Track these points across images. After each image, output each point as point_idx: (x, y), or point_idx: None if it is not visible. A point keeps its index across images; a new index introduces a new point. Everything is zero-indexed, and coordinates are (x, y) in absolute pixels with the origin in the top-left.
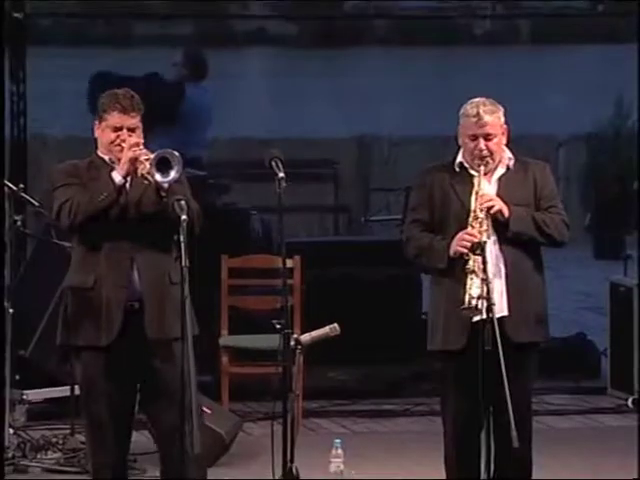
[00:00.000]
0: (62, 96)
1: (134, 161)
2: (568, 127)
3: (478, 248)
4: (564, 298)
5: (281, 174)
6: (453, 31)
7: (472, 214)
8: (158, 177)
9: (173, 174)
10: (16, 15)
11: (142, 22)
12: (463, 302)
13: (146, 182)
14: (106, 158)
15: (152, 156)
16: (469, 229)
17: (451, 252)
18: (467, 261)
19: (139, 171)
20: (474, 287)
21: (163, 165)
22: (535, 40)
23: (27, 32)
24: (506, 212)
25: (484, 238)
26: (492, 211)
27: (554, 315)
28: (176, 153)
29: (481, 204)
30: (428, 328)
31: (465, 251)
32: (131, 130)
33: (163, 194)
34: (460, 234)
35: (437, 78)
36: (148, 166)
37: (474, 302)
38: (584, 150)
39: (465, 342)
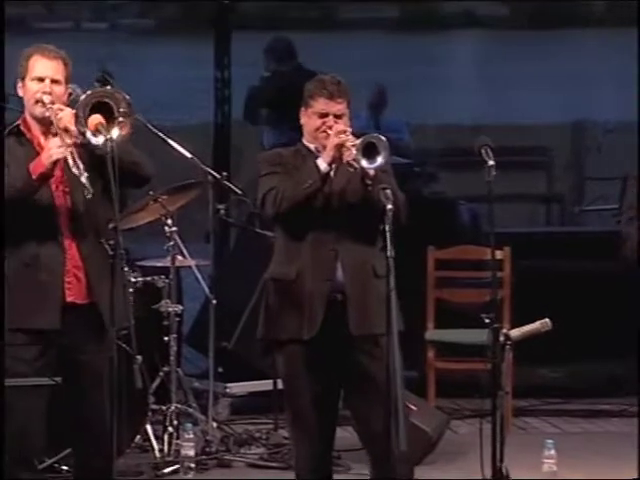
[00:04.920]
0: None
1: (340, 147)
2: None
3: None
4: None
5: (491, 162)
6: None
7: None
8: (364, 163)
9: (380, 160)
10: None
11: (345, 5)
12: None
13: (352, 169)
14: (312, 147)
15: (358, 142)
16: None
17: None
18: None
19: (345, 158)
20: None
21: (370, 151)
22: None
23: (231, 17)
24: None
25: None
26: None
27: None
28: (383, 138)
29: None
30: None
31: None
32: (337, 117)
33: (368, 182)
34: None
35: None
36: (354, 152)
37: None
38: None
39: None
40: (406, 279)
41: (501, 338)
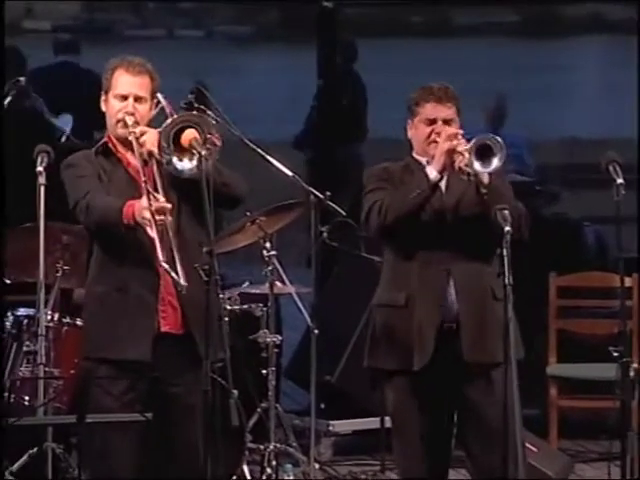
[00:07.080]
0: (378, 93)
1: (451, 153)
2: None
3: None
4: None
5: (620, 180)
6: None
7: None
8: (478, 167)
9: (495, 163)
10: (325, 4)
11: (461, 10)
12: None
13: (465, 177)
14: (422, 160)
15: (471, 144)
16: None
17: None
18: None
19: (456, 164)
20: None
21: (484, 153)
22: None
23: (337, 22)
24: None
25: None
26: None
27: None
28: (498, 139)
29: None
30: None
31: None
32: (446, 122)
33: (484, 191)
34: None
35: None
36: (467, 157)
37: None
38: None
39: None
40: (526, 308)
41: (631, 373)
